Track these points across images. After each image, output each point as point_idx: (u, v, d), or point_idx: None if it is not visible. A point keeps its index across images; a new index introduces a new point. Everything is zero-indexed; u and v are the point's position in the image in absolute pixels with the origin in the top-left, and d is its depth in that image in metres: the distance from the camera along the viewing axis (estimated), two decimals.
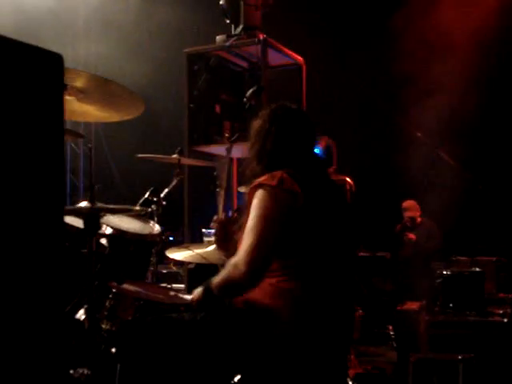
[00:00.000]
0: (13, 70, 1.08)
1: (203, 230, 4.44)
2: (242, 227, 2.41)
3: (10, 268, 1.19)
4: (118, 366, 2.40)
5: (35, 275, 1.24)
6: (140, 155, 3.73)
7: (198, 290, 2.33)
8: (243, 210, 2.41)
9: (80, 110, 2.59)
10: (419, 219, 6.72)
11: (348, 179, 5.07)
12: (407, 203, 6.77)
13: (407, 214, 6.74)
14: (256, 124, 2.46)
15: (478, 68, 6.41)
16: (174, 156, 3.72)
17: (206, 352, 2.25)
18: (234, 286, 2.21)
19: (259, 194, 2.22)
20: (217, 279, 2.25)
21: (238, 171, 5.11)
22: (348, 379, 3.65)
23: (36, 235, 1.25)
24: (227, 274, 2.21)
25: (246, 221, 2.30)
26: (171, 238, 7.77)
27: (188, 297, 2.74)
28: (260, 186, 2.24)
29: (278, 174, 2.24)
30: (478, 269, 4.95)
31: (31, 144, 1.22)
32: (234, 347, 2.25)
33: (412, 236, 6.66)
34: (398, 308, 5.02)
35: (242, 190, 3.76)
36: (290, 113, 2.46)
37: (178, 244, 3.67)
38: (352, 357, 4.33)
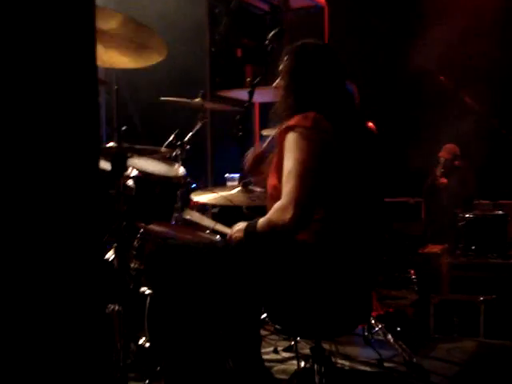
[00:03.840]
0: (39, 5, 1.09)
1: (226, 175, 4.47)
2: (271, 166, 2.40)
3: (51, 210, 1.22)
4: (147, 301, 2.47)
5: (74, 217, 1.27)
6: (163, 98, 3.73)
7: (239, 229, 2.30)
8: (272, 150, 2.39)
9: (105, 55, 2.54)
10: (456, 163, 6.55)
11: (370, 123, 5.04)
12: (446, 145, 6.62)
13: (440, 155, 6.61)
14: (284, 63, 2.41)
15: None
16: (197, 100, 3.71)
17: (237, 279, 2.26)
18: (281, 229, 2.15)
19: (294, 137, 2.18)
20: (261, 222, 2.21)
21: (260, 115, 5.11)
22: (371, 318, 3.72)
23: (74, 176, 1.27)
24: (273, 217, 2.16)
25: (276, 161, 2.29)
26: (194, 185, 7.82)
27: (219, 228, 2.73)
28: (293, 127, 2.19)
29: (311, 114, 2.20)
30: (501, 212, 4.95)
31: (65, 85, 1.23)
32: (258, 281, 2.26)
33: (443, 180, 6.55)
34: (420, 251, 5.04)
35: (266, 132, 3.76)
36: (317, 50, 2.40)
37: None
38: (374, 299, 4.38)
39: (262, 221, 2.22)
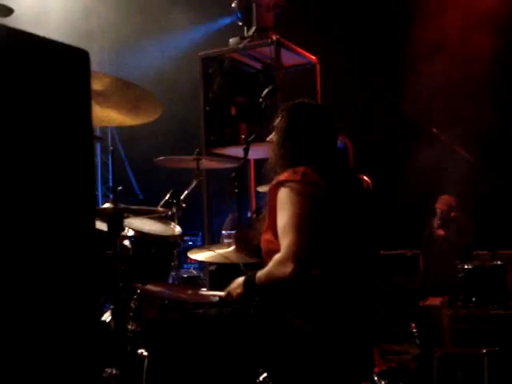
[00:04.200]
0: (39, 67, 1.11)
1: (223, 232, 4.47)
2: (263, 224, 2.41)
3: (44, 270, 1.22)
4: (145, 364, 2.43)
5: (68, 277, 1.27)
6: (158, 159, 3.76)
7: (237, 283, 2.31)
8: (264, 207, 2.41)
9: (101, 114, 2.61)
10: (452, 214, 6.58)
11: (365, 177, 5.07)
12: (442, 196, 6.67)
13: (437, 206, 6.65)
14: (276, 122, 2.46)
15: (496, 69, 6.41)
16: (193, 158, 3.74)
17: (232, 348, 2.26)
18: (280, 282, 2.15)
19: (285, 191, 2.20)
20: (260, 275, 2.21)
21: (255, 172, 5.14)
22: (373, 375, 3.66)
23: (68, 236, 1.27)
24: (274, 270, 2.16)
25: (268, 216, 2.30)
26: (190, 243, 7.82)
27: (213, 293, 2.74)
28: (283, 182, 2.22)
29: (301, 168, 2.23)
30: (499, 262, 4.93)
31: (61, 144, 1.24)
32: (258, 344, 2.25)
33: (440, 232, 6.57)
34: (421, 304, 4.99)
35: (262, 189, 3.78)
36: (310, 109, 2.46)
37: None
38: (376, 355, 4.32)
39: (261, 274, 2.22)
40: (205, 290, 2.76)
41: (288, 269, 2.10)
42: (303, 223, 2.15)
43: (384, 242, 6.10)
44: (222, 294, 2.45)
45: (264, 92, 3.76)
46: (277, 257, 2.16)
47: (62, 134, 1.25)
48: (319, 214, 2.20)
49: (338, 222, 2.26)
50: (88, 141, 1.32)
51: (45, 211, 1.22)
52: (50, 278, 1.24)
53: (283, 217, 2.18)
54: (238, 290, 2.29)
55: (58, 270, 1.26)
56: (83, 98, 1.23)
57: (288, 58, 4.83)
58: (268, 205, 2.31)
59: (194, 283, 5.46)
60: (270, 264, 2.18)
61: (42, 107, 1.16)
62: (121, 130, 6.29)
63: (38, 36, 1.06)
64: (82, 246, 1.31)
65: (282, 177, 2.24)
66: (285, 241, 2.15)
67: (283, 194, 2.21)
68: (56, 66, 1.13)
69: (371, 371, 3.40)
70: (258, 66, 4.92)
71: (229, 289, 2.36)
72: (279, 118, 2.46)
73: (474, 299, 4.81)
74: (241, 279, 2.31)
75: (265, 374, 2.52)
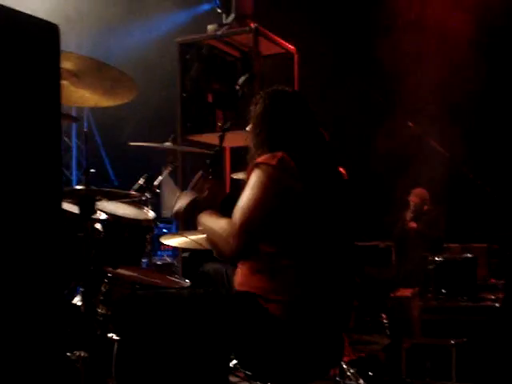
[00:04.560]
0: (8, 39, 1.09)
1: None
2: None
3: (11, 254, 1.20)
4: (115, 347, 2.42)
5: (35, 261, 1.25)
6: (132, 143, 3.73)
7: (186, 203, 2.42)
8: (241, 190, 2.40)
9: (75, 94, 2.59)
10: (425, 207, 6.65)
11: (341, 169, 5.08)
12: (415, 190, 6.73)
13: (411, 199, 6.71)
14: (254, 109, 2.45)
15: (477, 60, 6.47)
16: (168, 144, 3.71)
17: (203, 330, 2.24)
18: (219, 252, 2.26)
19: (257, 172, 2.22)
20: (206, 225, 2.32)
21: (230, 159, 5.13)
22: (343, 363, 3.69)
23: (35, 219, 1.25)
24: (216, 240, 2.25)
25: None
26: (165, 230, 7.79)
27: (186, 281, 2.74)
28: (258, 164, 2.23)
29: (279, 154, 2.23)
30: (470, 255, 5.00)
31: (28, 122, 1.23)
32: (229, 326, 2.24)
33: (412, 225, 6.63)
34: (392, 295, 5.04)
35: (237, 176, 3.77)
36: (286, 96, 2.46)
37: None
38: (346, 344, 4.35)
39: (208, 225, 2.31)
40: (177, 278, 2.75)
41: (227, 248, 2.19)
42: (259, 203, 2.18)
43: (358, 233, 6.14)
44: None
45: (241, 79, 3.75)
46: (223, 228, 2.21)
47: (27, 109, 1.23)
48: (286, 203, 2.20)
49: (313, 211, 2.27)
50: (55, 117, 1.30)
51: (9, 190, 1.21)
52: (17, 260, 1.23)
53: (246, 194, 2.21)
54: (184, 209, 2.41)
55: (24, 254, 1.24)
56: (52, 73, 1.21)
57: (266, 47, 4.81)
58: (243, 185, 2.32)
59: (168, 270, 5.44)
60: (218, 230, 2.23)
61: (7, 78, 1.14)
62: (97, 114, 6.24)
63: (5, 6, 1.04)
64: (48, 227, 1.30)
65: (260, 159, 2.25)
66: (236, 214, 2.18)
67: (255, 174, 2.23)
68: (24, 38, 1.12)
69: (340, 359, 3.42)
70: (236, 53, 4.89)
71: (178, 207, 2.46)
72: (255, 106, 2.46)
73: (444, 291, 4.87)
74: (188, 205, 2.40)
75: (235, 361, 2.52)
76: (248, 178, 2.28)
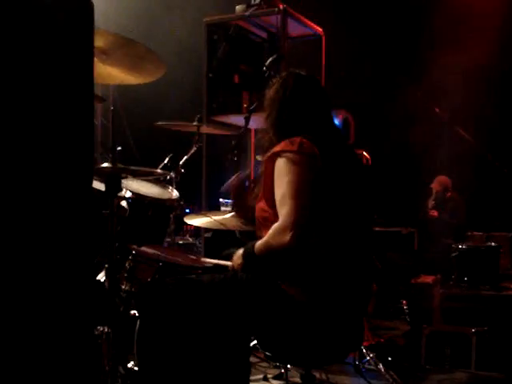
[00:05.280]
0: (45, 15, 1.10)
1: (220, 200, 4.46)
2: (255, 194, 2.42)
3: (42, 228, 1.22)
4: (137, 324, 2.45)
5: (65, 236, 1.27)
6: (159, 123, 3.74)
7: (238, 255, 2.33)
8: (258, 178, 2.40)
9: (103, 72, 2.59)
10: (448, 194, 6.60)
11: (365, 153, 5.06)
12: (438, 177, 6.70)
13: (433, 186, 6.68)
14: (269, 93, 2.45)
15: (504, 46, 6.38)
16: (194, 124, 3.72)
17: (223, 314, 2.27)
18: (279, 251, 2.17)
19: (282, 162, 2.20)
20: (258, 245, 2.23)
21: (255, 141, 5.12)
22: (362, 348, 3.70)
23: (67, 197, 1.26)
24: (272, 240, 2.17)
25: (264, 186, 2.30)
26: (187, 210, 7.81)
27: (208, 260, 2.76)
28: (279, 153, 2.22)
29: (297, 139, 2.22)
30: (493, 243, 4.95)
31: (62, 98, 1.23)
32: (249, 311, 2.26)
33: (434, 213, 6.60)
34: (413, 281, 5.03)
35: (261, 158, 3.77)
36: (302, 79, 2.44)
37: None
38: (366, 329, 4.36)
39: (259, 244, 2.23)
40: (208, 260, 2.76)
41: (287, 237, 2.11)
42: (301, 192, 2.16)
43: (381, 219, 6.13)
44: (225, 263, 2.47)
45: (268, 61, 3.73)
46: (275, 226, 2.16)
47: (62, 87, 1.24)
48: (315, 183, 2.20)
49: (333, 194, 2.26)
50: (89, 95, 1.31)
51: (42, 166, 1.22)
52: (48, 234, 1.24)
53: (281, 187, 2.18)
54: (239, 261, 2.32)
55: (55, 227, 1.26)
56: (86, 51, 1.22)
57: (294, 28, 4.78)
58: (262, 174, 2.30)
59: (190, 250, 5.47)
60: (269, 233, 2.19)
61: (43, 56, 1.15)
62: (122, 93, 6.24)
63: None
64: (78, 204, 1.31)
65: (278, 147, 2.24)
66: (283, 210, 2.15)
67: (280, 164, 2.20)
68: (60, 15, 1.12)
69: (360, 343, 3.43)
70: (264, 34, 4.87)
71: (232, 262, 2.38)
72: (272, 89, 2.44)
73: (466, 279, 4.84)
74: (241, 251, 2.32)
75: (255, 341, 2.54)
76: (266, 167, 2.26)
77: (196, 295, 2.30)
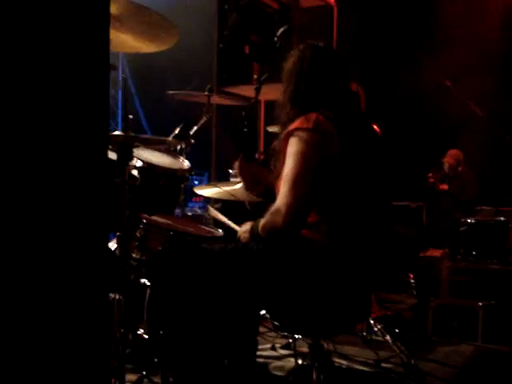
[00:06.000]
0: None
1: (230, 171, 4.46)
2: (275, 173, 2.40)
3: (59, 197, 1.22)
4: (148, 292, 2.47)
5: (81, 204, 1.27)
6: (170, 92, 3.72)
7: (246, 229, 2.34)
8: (277, 155, 2.36)
9: (117, 39, 2.57)
10: (459, 169, 6.56)
11: (375, 126, 5.04)
12: (451, 151, 6.64)
13: (445, 160, 6.63)
14: (287, 65, 2.40)
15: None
16: (204, 94, 3.71)
17: (234, 283, 2.28)
18: (276, 231, 2.19)
19: (295, 141, 2.17)
20: (262, 222, 2.24)
21: (265, 112, 5.10)
22: (369, 319, 3.72)
23: (82, 165, 1.27)
24: (270, 219, 2.19)
25: (281, 167, 2.28)
26: (196, 182, 7.82)
27: (218, 231, 2.77)
28: (293, 132, 2.19)
29: (313, 116, 2.19)
30: (502, 218, 4.95)
31: (78, 69, 1.23)
32: (259, 278, 2.27)
33: (444, 186, 6.57)
34: (421, 255, 5.04)
35: (272, 129, 3.76)
36: (320, 51, 2.39)
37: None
38: (373, 302, 4.38)
39: (262, 225, 2.24)
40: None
41: (279, 218, 2.13)
42: (302, 176, 2.14)
43: (392, 192, 6.11)
44: (234, 227, 2.49)
45: (279, 31, 3.69)
46: (272, 206, 2.18)
47: (78, 55, 1.23)
48: (326, 164, 2.18)
49: (349, 171, 2.25)
50: (104, 63, 1.31)
51: (59, 139, 1.22)
52: (63, 202, 1.25)
53: (287, 166, 2.18)
54: (246, 235, 2.33)
55: (71, 197, 1.26)
56: (102, 18, 1.21)
57: None
58: (281, 153, 2.28)
59: (198, 221, 5.49)
60: (266, 214, 2.20)
61: (57, 23, 1.14)
62: (131, 62, 6.22)
63: None
64: (94, 174, 1.32)
65: (294, 125, 2.20)
66: (282, 189, 2.16)
67: (293, 143, 2.18)
68: None
69: (368, 314, 3.45)
70: (275, 5, 4.83)
71: (239, 233, 2.39)
72: (289, 62, 2.41)
73: (474, 253, 4.85)
74: (249, 225, 2.33)
75: (263, 311, 2.56)
76: (283, 146, 2.23)
77: (207, 263, 2.31)
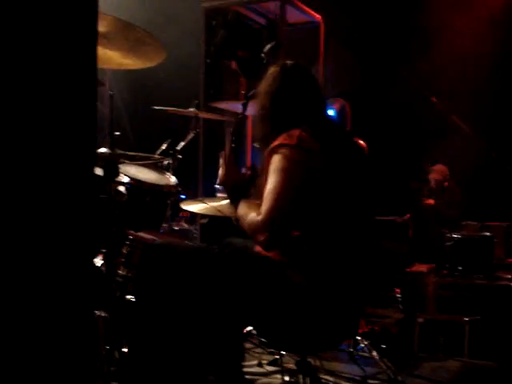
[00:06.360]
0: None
1: (216, 186, 4.46)
2: (259, 189, 2.40)
3: (44, 212, 1.22)
4: (134, 309, 2.45)
5: (66, 220, 1.27)
6: (156, 107, 3.73)
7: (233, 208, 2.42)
8: (260, 171, 2.38)
9: (104, 56, 2.58)
10: (446, 184, 6.60)
11: (361, 142, 5.06)
12: (436, 166, 6.68)
13: (432, 176, 6.66)
14: (260, 87, 2.43)
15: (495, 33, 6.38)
16: (191, 110, 3.71)
17: (220, 298, 2.26)
18: (255, 241, 2.22)
19: (278, 157, 2.17)
20: (245, 222, 2.25)
21: (252, 128, 5.12)
22: (357, 335, 3.72)
23: (68, 180, 1.26)
24: (250, 231, 2.22)
25: (264, 184, 2.28)
26: (183, 196, 7.79)
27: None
28: (277, 148, 2.19)
29: (296, 132, 2.19)
30: (488, 233, 4.97)
31: (66, 85, 1.23)
32: (246, 294, 2.25)
33: (430, 201, 6.60)
34: (407, 270, 5.05)
35: (257, 145, 3.77)
36: (295, 70, 2.42)
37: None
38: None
39: (245, 221, 2.26)
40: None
41: (261, 238, 2.15)
42: (285, 193, 2.14)
43: (379, 207, 6.13)
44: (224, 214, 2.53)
45: (266, 47, 3.71)
46: (255, 219, 2.17)
47: (66, 71, 1.23)
48: (310, 181, 2.18)
49: (335, 185, 2.26)
50: (92, 80, 1.31)
51: (45, 154, 1.22)
52: (49, 221, 1.24)
53: (270, 183, 2.17)
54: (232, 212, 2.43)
55: (56, 213, 1.26)
56: (90, 35, 1.22)
57: (293, 15, 4.78)
58: (264, 171, 2.28)
59: (186, 236, 5.47)
60: (250, 223, 2.20)
61: (46, 40, 1.14)
62: (119, 78, 6.22)
63: None
64: (80, 190, 1.31)
65: (276, 142, 2.20)
66: (264, 207, 2.15)
67: (275, 160, 2.18)
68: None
69: (356, 331, 3.45)
70: (262, 21, 4.86)
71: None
72: (263, 81, 2.42)
73: (460, 268, 4.86)
74: (237, 209, 2.37)
75: (250, 328, 2.55)
76: (267, 163, 2.23)
77: (191, 277, 2.29)
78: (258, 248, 2.34)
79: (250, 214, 2.23)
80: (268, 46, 3.70)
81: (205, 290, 2.26)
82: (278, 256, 2.24)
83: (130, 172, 3.04)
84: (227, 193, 2.59)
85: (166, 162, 3.42)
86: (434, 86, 6.62)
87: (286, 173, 2.15)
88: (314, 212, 2.22)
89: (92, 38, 1.20)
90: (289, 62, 2.44)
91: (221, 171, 2.67)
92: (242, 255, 2.31)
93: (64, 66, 1.21)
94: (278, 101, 2.35)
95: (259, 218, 2.15)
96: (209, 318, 2.27)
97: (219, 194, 4.19)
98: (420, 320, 4.35)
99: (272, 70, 2.44)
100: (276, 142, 2.21)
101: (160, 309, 2.31)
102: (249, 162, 4.84)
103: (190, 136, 3.73)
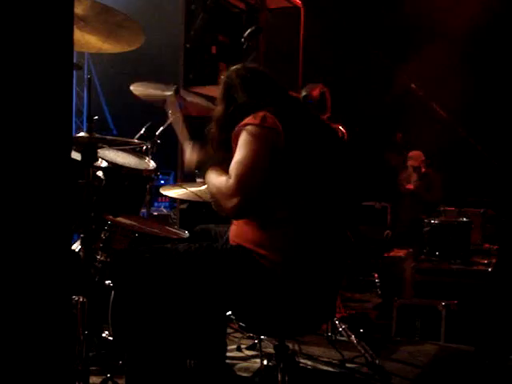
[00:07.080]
0: None
1: (196, 171, 4.45)
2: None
3: (21, 198, 1.21)
4: (112, 294, 2.45)
5: (44, 205, 1.26)
6: (133, 88, 3.68)
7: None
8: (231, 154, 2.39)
9: (81, 40, 2.55)
10: (423, 170, 6.65)
11: (341, 127, 5.07)
12: (412, 153, 6.73)
13: (409, 163, 6.71)
14: (220, 88, 2.48)
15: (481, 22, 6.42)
16: (169, 94, 3.68)
17: (199, 283, 2.27)
18: (222, 209, 2.22)
19: (244, 133, 2.21)
20: (214, 186, 2.27)
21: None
22: (334, 319, 3.75)
23: (46, 167, 1.25)
24: (219, 196, 2.22)
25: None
26: (162, 182, 7.77)
27: (184, 232, 2.77)
28: (243, 127, 2.23)
29: (261, 113, 2.24)
30: (465, 219, 5.03)
31: (40, 69, 1.22)
32: (224, 280, 2.26)
33: (409, 186, 6.65)
34: (385, 255, 5.10)
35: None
36: (250, 68, 2.49)
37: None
38: (338, 302, 4.42)
39: (212, 184, 2.28)
40: (175, 228, 2.78)
41: (232, 203, 2.15)
42: (255, 163, 2.17)
43: (358, 190, 6.17)
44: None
45: (246, 32, 3.70)
46: (226, 184, 2.17)
47: (41, 55, 1.22)
48: (275, 158, 2.20)
49: (301, 166, 2.27)
50: (68, 64, 1.30)
51: (21, 139, 1.21)
52: (26, 206, 1.24)
53: (236, 155, 2.20)
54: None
55: (33, 198, 1.25)
56: (65, 18, 1.20)
57: (273, 0, 4.75)
58: (233, 150, 2.30)
59: (165, 221, 5.47)
60: (221, 186, 2.20)
61: (20, 23, 1.13)
62: (97, 62, 6.17)
63: None
64: (58, 175, 1.30)
65: (243, 122, 2.25)
66: (234, 171, 2.16)
67: (242, 137, 2.22)
68: None
69: (333, 314, 3.48)
70: (242, 5, 4.83)
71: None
72: (220, 86, 2.48)
73: (437, 253, 4.92)
74: (210, 171, 2.36)
75: (229, 312, 2.56)
76: (234, 143, 2.26)
77: (171, 264, 2.29)
78: (232, 230, 2.34)
79: (220, 178, 2.25)
80: (248, 31, 3.71)
81: (183, 277, 2.26)
82: (250, 237, 2.25)
83: (108, 156, 3.02)
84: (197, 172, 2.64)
85: (144, 147, 3.40)
86: (413, 71, 6.66)
87: (254, 145, 2.19)
88: (283, 189, 2.24)
89: (67, 20, 1.19)
90: (235, 66, 2.51)
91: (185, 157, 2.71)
92: (214, 250, 2.31)
93: (38, 48, 1.19)
94: (236, 95, 2.40)
95: (231, 181, 2.16)
96: (189, 303, 2.28)
97: (198, 180, 4.19)
98: (397, 304, 4.40)
99: (222, 77, 2.51)
100: (242, 122, 2.25)
101: (139, 294, 2.31)
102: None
103: (169, 121, 3.69)
